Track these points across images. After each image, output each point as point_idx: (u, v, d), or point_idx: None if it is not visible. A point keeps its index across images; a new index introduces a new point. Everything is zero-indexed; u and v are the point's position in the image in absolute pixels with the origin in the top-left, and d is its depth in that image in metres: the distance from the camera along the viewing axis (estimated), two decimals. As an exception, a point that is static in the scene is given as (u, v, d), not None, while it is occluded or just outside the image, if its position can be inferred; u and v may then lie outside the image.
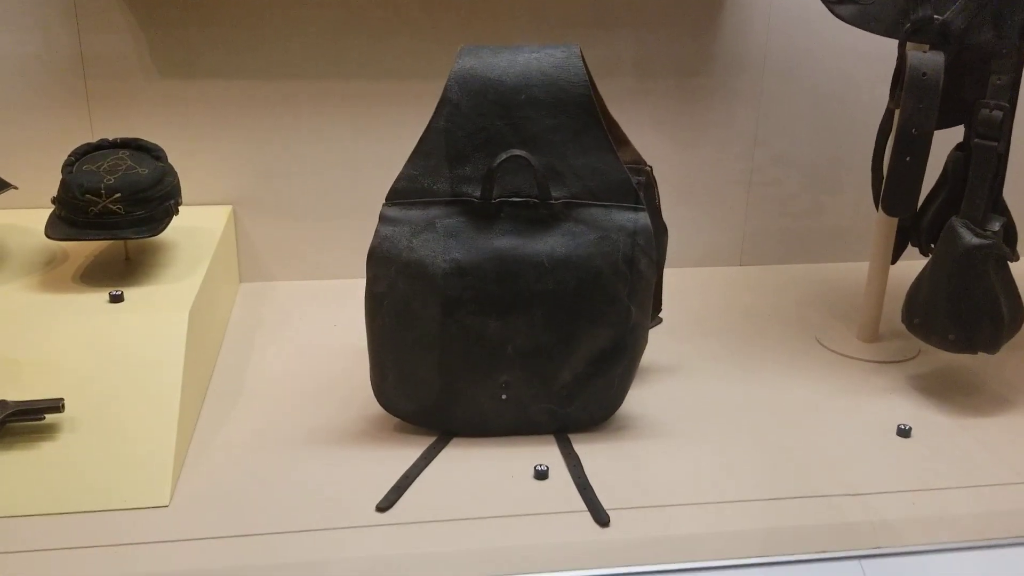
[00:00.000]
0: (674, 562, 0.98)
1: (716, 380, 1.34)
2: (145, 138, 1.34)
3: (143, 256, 1.34)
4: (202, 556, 0.96)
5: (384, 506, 1.04)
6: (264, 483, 1.08)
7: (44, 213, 1.27)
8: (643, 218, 1.12)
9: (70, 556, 0.96)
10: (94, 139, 1.34)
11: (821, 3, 1.30)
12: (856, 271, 1.64)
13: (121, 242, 1.32)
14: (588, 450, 1.15)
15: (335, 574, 0.95)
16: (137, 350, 1.14)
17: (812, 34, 1.62)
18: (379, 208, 1.12)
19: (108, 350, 1.13)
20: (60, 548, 0.96)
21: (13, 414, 1.04)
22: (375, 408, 1.18)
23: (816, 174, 1.73)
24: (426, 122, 1.12)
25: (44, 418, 1.05)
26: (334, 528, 1.01)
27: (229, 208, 1.56)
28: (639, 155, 1.23)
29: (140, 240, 1.34)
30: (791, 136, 1.69)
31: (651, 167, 1.22)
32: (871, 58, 1.59)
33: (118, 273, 1.29)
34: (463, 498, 1.06)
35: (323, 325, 1.47)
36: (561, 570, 0.97)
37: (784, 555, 1.00)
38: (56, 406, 1.05)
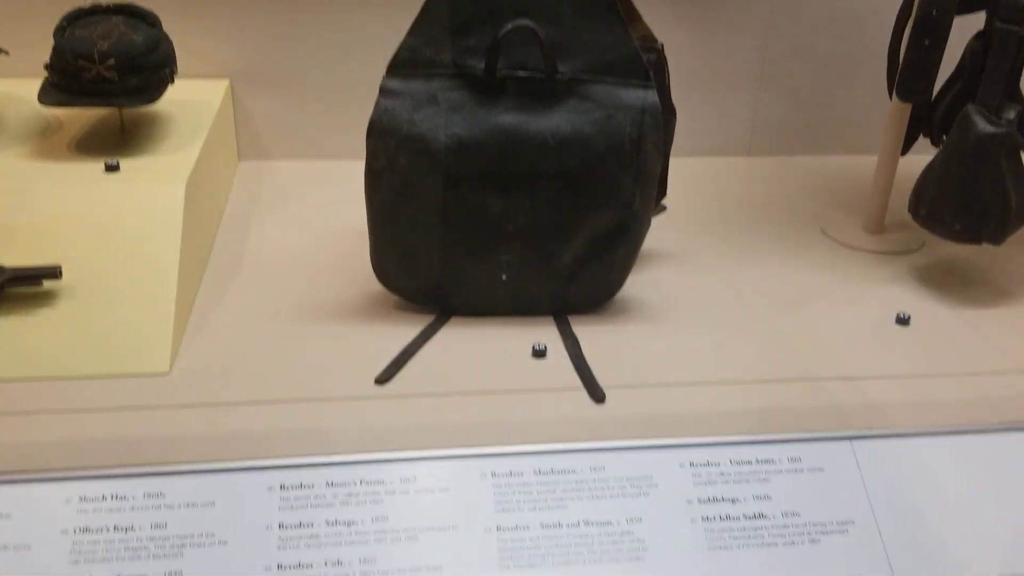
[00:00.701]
0: (667, 437, 0.99)
1: (718, 268, 1.33)
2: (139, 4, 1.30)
3: (139, 127, 1.32)
4: (202, 422, 0.98)
5: (383, 379, 1.04)
6: (264, 354, 1.08)
7: (37, 81, 1.24)
8: (652, 96, 1.09)
9: (71, 419, 0.97)
10: (87, 4, 1.30)
11: None
12: (865, 163, 1.61)
13: (116, 112, 1.30)
14: (586, 331, 1.15)
15: (333, 442, 0.96)
16: (134, 220, 1.13)
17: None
18: (368, 93, 1.10)
19: (104, 219, 1.12)
20: (61, 411, 0.98)
21: (10, 279, 1.03)
22: (375, 286, 1.18)
23: (829, 64, 1.68)
24: None
25: (42, 284, 1.05)
26: (333, 399, 1.02)
27: (226, 82, 1.53)
28: (650, 31, 1.19)
29: (136, 111, 1.32)
30: (806, 25, 1.64)
31: (662, 44, 1.19)
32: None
33: (113, 143, 1.27)
34: (461, 374, 1.07)
35: (323, 204, 1.46)
36: (557, 443, 0.98)
37: (776, 434, 1.01)
38: (54, 273, 1.05)
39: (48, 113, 1.31)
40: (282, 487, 0.92)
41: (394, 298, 1.19)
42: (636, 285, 1.25)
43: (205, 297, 1.19)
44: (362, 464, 0.94)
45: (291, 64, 1.55)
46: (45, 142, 1.27)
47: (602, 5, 1.08)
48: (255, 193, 1.50)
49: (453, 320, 1.17)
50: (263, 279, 1.24)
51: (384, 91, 1.09)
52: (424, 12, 1.08)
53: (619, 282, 1.18)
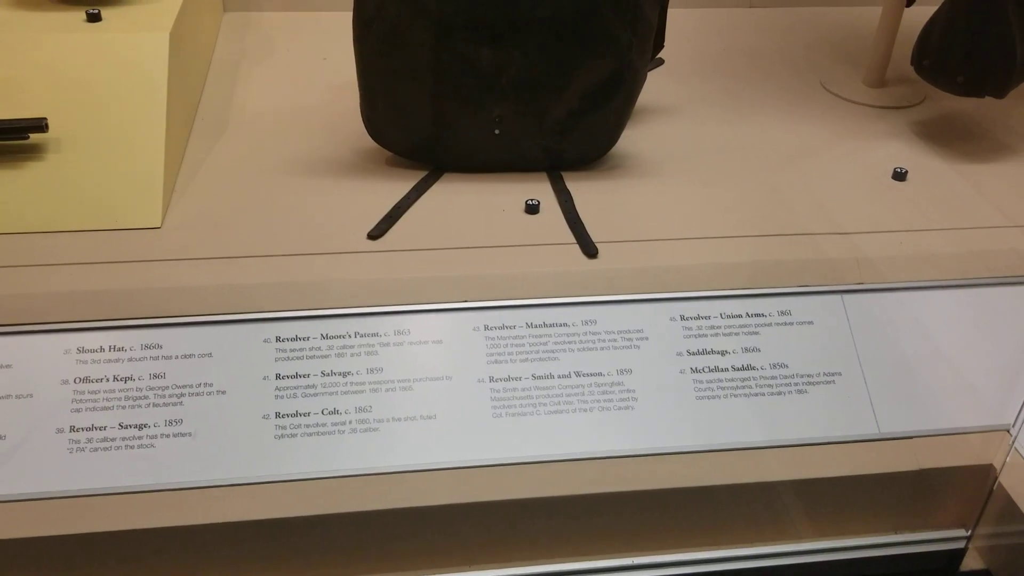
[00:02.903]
0: (659, 291, 1.00)
1: (715, 122, 1.31)
2: None
3: (118, -25, 1.27)
4: (196, 274, 0.98)
5: (376, 234, 1.04)
6: (256, 209, 1.08)
7: None
8: (648, -61, 1.05)
9: (66, 272, 0.97)
10: None
11: None
12: (868, 15, 1.57)
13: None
14: (580, 187, 1.14)
15: (327, 296, 0.97)
16: (118, 71, 1.10)
17: None
18: None
19: (88, 70, 1.09)
20: (56, 264, 0.98)
21: (-4, 132, 1.02)
22: (366, 141, 1.16)
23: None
24: None
25: (28, 137, 1.03)
26: (326, 253, 1.02)
27: (211, -72, 1.46)
28: None
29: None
30: None
31: None
32: None
33: (93, -8, 1.23)
34: (454, 229, 1.07)
35: (312, 58, 1.42)
36: (549, 297, 0.99)
37: (767, 287, 1.02)
38: (39, 125, 1.03)
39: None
40: (278, 339, 0.94)
41: (386, 153, 1.18)
42: (631, 140, 1.23)
43: (194, 151, 1.17)
44: (357, 317, 0.96)
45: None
46: None
47: None
48: (241, 45, 1.46)
49: (446, 176, 1.15)
50: (252, 133, 1.22)
51: (371, -66, 1.04)
52: None
53: (614, 136, 1.16)
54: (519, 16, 1.05)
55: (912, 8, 1.34)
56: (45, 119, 1.03)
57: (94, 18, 1.15)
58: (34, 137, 1.04)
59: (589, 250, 1.04)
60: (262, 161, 1.17)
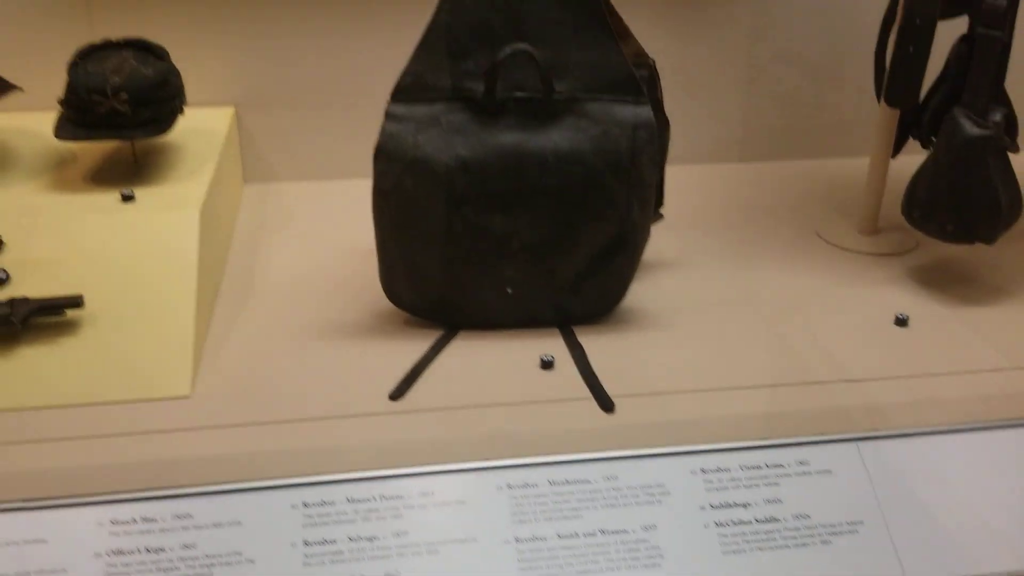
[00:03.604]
0: (677, 444, 1.02)
1: (716, 274, 1.37)
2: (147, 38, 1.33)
3: (150, 157, 1.35)
4: (224, 443, 1.01)
5: (396, 395, 1.08)
6: (280, 374, 1.12)
7: (50, 115, 1.27)
8: (646, 112, 1.12)
9: (98, 444, 1.00)
10: (96, 39, 1.33)
11: None
12: (857, 166, 1.65)
13: (129, 143, 1.33)
14: (592, 341, 1.18)
15: (351, 458, 0.99)
16: (151, 247, 1.16)
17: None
18: (382, 107, 1.13)
19: (123, 248, 1.15)
20: (89, 437, 1.01)
21: (35, 310, 1.06)
22: (384, 303, 1.21)
23: (816, 69, 1.72)
24: (428, 17, 1.12)
25: (65, 314, 1.08)
26: (349, 416, 1.05)
27: (232, 109, 1.56)
28: (642, 48, 1.22)
29: (147, 141, 1.35)
30: (791, 31, 1.68)
31: (654, 60, 1.22)
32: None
33: (127, 174, 1.31)
34: (472, 387, 1.10)
35: (329, 224, 1.49)
36: (570, 454, 1.01)
37: (783, 438, 1.04)
38: (76, 302, 1.08)
39: (62, 146, 1.35)
40: (305, 504, 0.95)
41: (404, 315, 1.22)
42: (637, 294, 1.28)
43: (220, 319, 1.22)
44: (381, 480, 0.97)
45: (293, 90, 1.58)
46: (61, 174, 1.30)
47: (595, 26, 1.11)
48: (262, 215, 1.53)
49: (461, 334, 1.20)
50: (275, 299, 1.27)
51: (389, 116, 1.12)
52: (425, 40, 1.11)
53: (621, 292, 1.21)
54: (527, 186, 1.12)
55: (900, 157, 1.42)
56: (81, 296, 1.08)
57: (128, 198, 1.22)
58: (70, 313, 1.08)
59: (605, 404, 1.07)
60: (285, 326, 1.21)
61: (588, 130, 1.12)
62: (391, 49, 1.41)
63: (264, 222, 1.51)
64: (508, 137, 1.12)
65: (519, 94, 1.11)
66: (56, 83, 1.26)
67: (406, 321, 1.22)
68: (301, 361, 1.14)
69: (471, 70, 1.11)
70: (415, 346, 1.17)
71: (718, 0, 1.63)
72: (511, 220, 1.14)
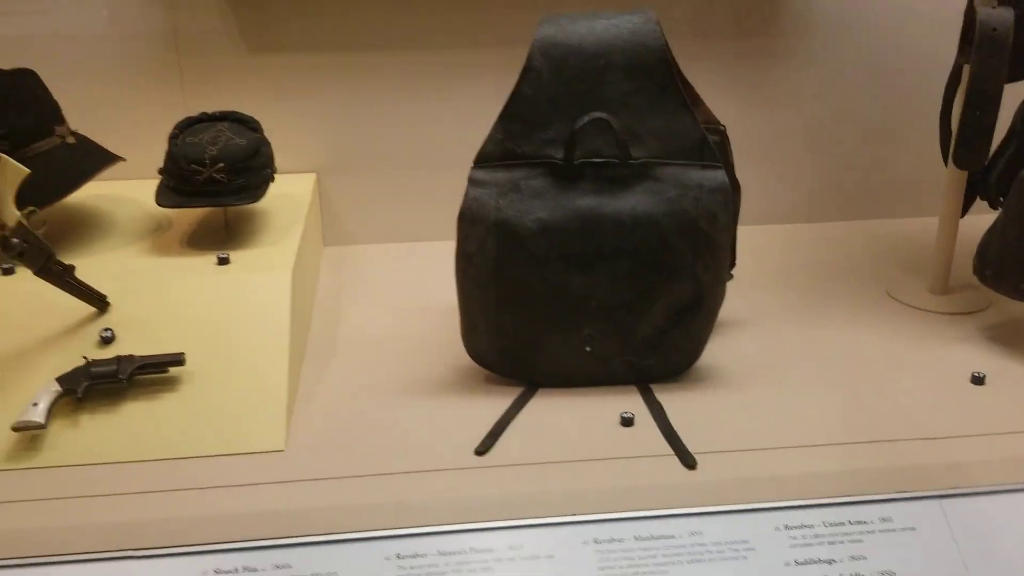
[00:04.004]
0: (759, 501, 1.03)
1: (790, 332, 1.38)
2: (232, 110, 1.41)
3: (240, 222, 1.42)
4: (319, 495, 1.05)
5: (482, 450, 1.11)
6: (368, 429, 1.16)
7: (144, 183, 1.36)
8: (720, 176, 1.16)
9: (199, 496, 1.04)
10: (188, 112, 1.41)
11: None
12: (921, 225, 1.67)
13: (221, 208, 1.40)
14: (669, 399, 1.20)
15: (441, 512, 1.02)
16: (246, 308, 1.22)
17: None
18: (453, 173, 1.18)
19: (220, 308, 1.21)
20: (190, 489, 1.05)
21: (141, 367, 1.13)
22: (464, 361, 1.25)
23: (877, 130, 1.75)
24: (498, 89, 1.18)
25: (168, 371, 1.14)
26: (438, 470, 1.08)
27: (313, 175, 1.63)
28: (712, 115, 1.27)
29: (238, 207, 1.42)
30: (851, 93, 1.71)
31: (725, 126, 1.26)
32: (926, 15, 1.64)
33: (219, 238, 1.38)
34: (554, 443, 1.13)
35: (406, 285, 1.54)
36: (655, 509, 1.03)
37: (865, 495, 1.05)
38: (178, 360, 1.13)
39: (158, 212, 1.42)
40: (399, 556, 0.98)
41: (483, 372, 1.26)
42: (712, 352, 1.30)
43: (308, 377, 1.27)
44: (471, 532, 1.00)
45: (370, 158, 1.65)
46: (158, 239, 1.37)
47: (669, 96, 1.16)
48: (341, 276, 1.59)
49: (540, 391, 1.23)
50: (358, 357, 1.32)
51: (472, 181, 1.17)
52: (506, 110, 1.17)
53: (697, 351, 1.23)
54: (605, 247, 1.16)
55: (967, 217, 1.43)
56: (183, 354, 1.14)
57: (224, 261, 1.29)
58: (172, 370, 1.14)
59: (688, 461, 1.09)
60: (370, 383, 1.25)
61: (663, 193, 1.16)
62: (461, 119, 1.49)
63: (344, 283, 1.56)
64: (586, 201, 1.16)
65: (596, 160, 1.16)
66: (151, 152, 1.34)
67: (486, 378, 1.26)
68: (387, 416, 1.18)
69: (550, 138, 1.16)
70: (496, 402, 1.20)
71: (777, 65, 1.68)
72: (590, 280, 1.17)
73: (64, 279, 1.14)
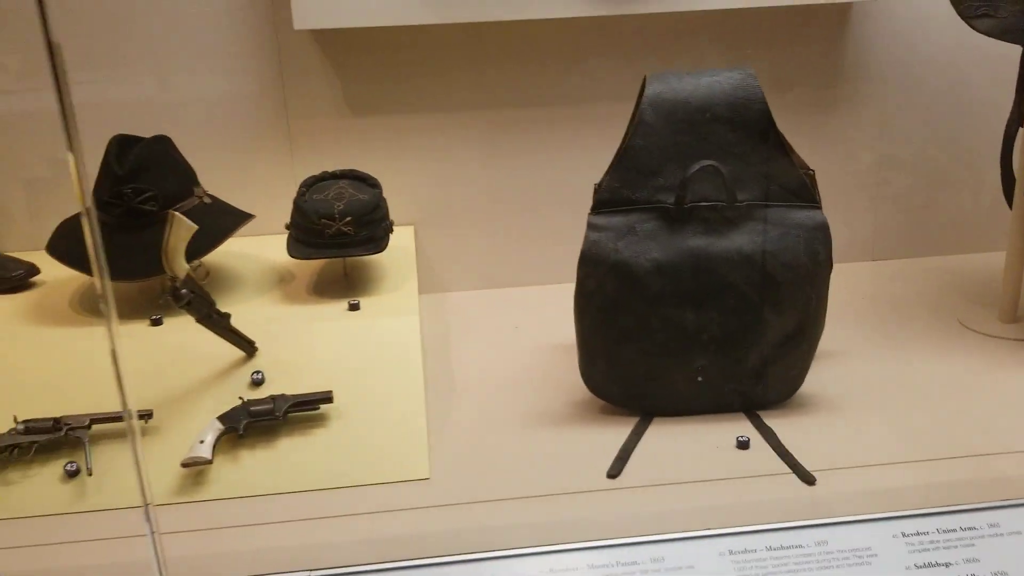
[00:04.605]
0: (878, 512, 1.12)
1: (874, 361, 1.47)
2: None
3: (357, 271, 1.53)
4: (469, 517, 1.13)
5: (614, 473, 1.20)
6: (501, 457, 1.25)
7: (260, 239, 1.46)
8: (819, 215, 1.27)
9: (357, 521, 1.13)
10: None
11: (941, 14, 1.46)
12: (981, 260, 1.78)
13: (340, 260, 1.51)
14: (776, 423, 1.29)
15: (586, 529, 1.10)
16: (380, 349, 1.32)
17: (929, 42, 1.77)
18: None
19: (356, 350, 1.32)
20: (347, 515, 1.14)
21: (293, 405, 1.22)
22: (576, 395, 1.35)
23: (934, 171, 1.86)
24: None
25: (319, 408, 1.23)
26: (575, 492, 1.17)
27: (411, 227, 1.75)
28: (802, 160, 1.38)
29: (355, 259, 1.53)
30: (910, 136, 1.83)
31: (813, 171, 1.37)
32: (984, 62, 1.75)
33: (341, 286, 1.48)
34: (678, 465, 1.21)
35: (503, 328, 1.64)
36: (784, 522, 1.11)
37: (973, 503, 1.13)
38: (328, 397, 1.23)
39: (279, 265, 1.53)
40: (551, 571, 1.06)
41: (597, 403, 1.35)
42: (808, 380, 1.38)
43: (434, 412, 1.35)
44: (616, 548, 1.09)
45: (463, 211, 1.77)
46: (287, 289, 1.48)
47: (770, 143, 1.27)
48: (442, 321, 1.69)
49: (655, 420, 1.32)
50: (476, 393, 1.41)
51: (591, 226, 1.28)
52: (620, 160, 1.28)
53: (800, 379, 1.33)
54: (716, 284, 1.26)
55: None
56: (331, 392, 1.23)
57: (354, 307, 1.39)
58: (322, 407, 1.24)
59: (807, 478, 1.17)
60: (493, 416, 1.34)
61: (768, 233, 1.26)
62: (545, 171, 1.61)
63: (446, 327, 1.66)
64: (696, 241, 1.26)
65: (705, 203, 1.27)
66: (263, 209, 1.45)
67: (600, 409, 1.35)
68: (516, 445, 1.27)
69: (661, 184, 1.27)
70: (614, 431, 1.29)
71: (843, 112, 1.80)
72: (701, 315, 1.27)
73: (222, 326, 1.24)
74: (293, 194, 1.51)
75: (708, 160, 1.25)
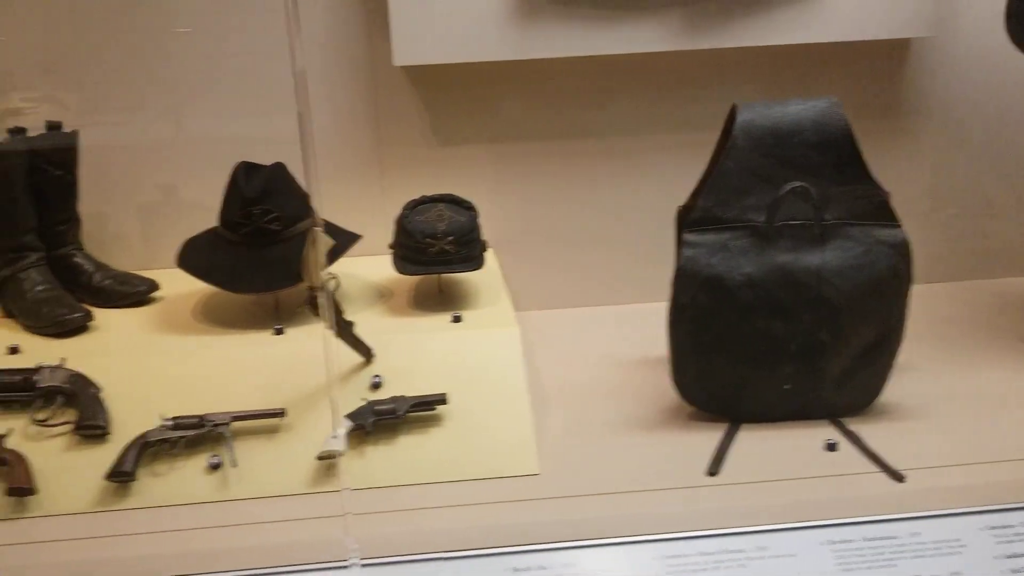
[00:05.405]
0: (967, 506, 1.20)
1: (943, 373, 1.56)
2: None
3: (451, 288, 1.63)
4: (582, 508, 1.22)
5: (714, 471, 1.28)
6: (602, 456, 1.34)
7: (357, 260, 1.56)
8: (900, 233, 1.36)
9: (470, 511, 1.22)
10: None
11: (998, 48, 1.57)
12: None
13: (434, 277, 1.61)
14: (859, 429, 1.37)
15: (695, 520, 1.19)
16: (484, 356, 1.42)
17: (986, 74, 1.87)
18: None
19: (463, 357, 1.41)
20: (462, 505, 1.23)
21: (413, 406, 1.31)
22: (663, 402, 1.44)
23: (990, 199, 1.96)
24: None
25: (435, 409, 1.32)
26: (677, 488, 1.26)
27: (490, 250, 1.84)
28: (879, 183, 1.47)
29: (447, 276, 1.63)
30: (965, 165, 1.92)
31: (888, 192, 1.47)
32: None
33: (437, 301, 1.58)
34: (772, 465, 1.30)
35: (581, 343, 1.73)
36: (876, 515, 1.19)
37: (1055, 500, 1.21)
38: (443, 399, 1.32)
39: (378, 281, 1.64)
40: (664, 557, 1.15)
41: (685, 410, 1.44)
42: (884, 390, 1.47)
43: (534, 416, 1.45)
44: (723, 537, 1.17)
45: (541, 233, 1.87)
46: (390, 303, 1.58)
47: (854, 166, 1.37)
48: (525, 337, 1.77)
49: (743, 426, 1.40)
50: (570, 401, 1.49)
51: (686, 243, 1.37)
52: (712, 181, 1.37)
53: (880, 387, 1.41)
54: (804, 297, 1.35)
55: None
56: (446, 394, 1.33)
57: (457, 320, 1.49)
58: (438, 408, 1.33)
59: (896, 476, 1.25)
60: (590, 420, 1.43)
61: (853, 249, 1.36)
62: (617, 198, 1.75)
63: (530, 342, 1.74)
64: (785, 257, 1.36)
65: (794, 222, 1.37)
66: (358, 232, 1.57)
67: (688, 415, 1.44)
68: (615, 446, 1.36)
69: (752, 204, 1.37)
70: (704, 435, 1.38)
71: (904, 142, 1.90)
72: (789, 326, 1.36)
73: (348, 333, 1.34)
74: (384, 218, 1.61)
75: (799, 182, 1.35)
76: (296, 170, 1.56)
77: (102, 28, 1.70)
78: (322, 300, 1.25)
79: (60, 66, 1.70)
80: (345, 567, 1.07)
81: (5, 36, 1.70)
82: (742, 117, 1.38)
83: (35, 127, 1.59)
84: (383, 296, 1.61)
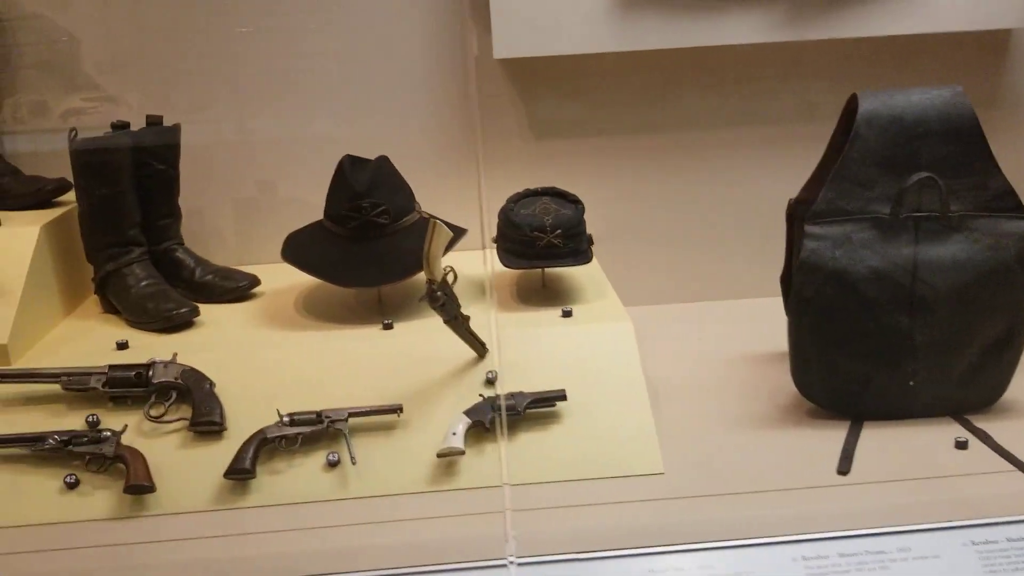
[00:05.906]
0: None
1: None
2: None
3: (554, 282, 1.61)
4: (702, 510, 1.19)
5: (844, 470, 1.25)
6: (725, 454, 1.31)
7: (457, 254, 1.54)
8: (1029, 224, 1.32)
9: (602, 510, 1.20)
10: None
11: None
12: None
13: (537, 271, 1.58)
14: (986, 426, 1.33)
15: (832, 520, 1.15)
16: (599, 352, 1.39)
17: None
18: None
19: (576, 352, 1.38)
20: (583, 505, 1.20)
21: (532, 402, 1.29)
22: (780, 399, 1.41)
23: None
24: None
25: (555, 405, 1.30)
26: (809, 487, 1.22)
27: (590, 245, 1.82)
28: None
29: (549, 270, 1.61)
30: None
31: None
32: None
33: (542, 296, 1.56)
34: (902, 463, 1.26)
35: (686, 339, 1.70)
36: (1019, 516, 1.15)
37: None
38: (562, 396, 1.30)
39: (480, 276, 1.62)
40: (804, 557, 1.12)
41: (804, 408, 1.40)
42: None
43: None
44: (864, 538, 1.13)
45: (638, 227, 1.84)
46: (495, 298, 1.56)
47: (979, 154, 1.32)
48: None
49: (866, 424, 1.37)
50: (684, 397, 1.47)
51: (809, 235, 1.34)
52: (837, 173, 1.34)
53: (1005, 383, 1.37)
54: (929, 290, 1.31)
55: None
56: (564, 390, 1.30)
57: (567, 314, 1.47)
58: (558, 404, 1.31)
59: (1036, 475, 1.21)
60: (705, 417, 1.41)
61: (980, 241, 1.31)
62: (719, 191, 1.70)
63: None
64: (910, 250, 1.32)
65: (918, 213, 1.33)
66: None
67: (806, 412, 1.40)
68: (736, 444, 1.33)
69: (876, 195, 1.33)
70: (826, 433, 1.34)
71: (1002, 138, 1.84)
72: (915, 320, 1.32)
73: (464, 327, 1.32)
74: (482, 212, 1.59)
75: (926, 172, 1.31)
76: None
77: (192, 26, 1.71)
78: (440, 293, 1.23)
79: (137, 63, 1.72)
80: (503, 565, 1.04)
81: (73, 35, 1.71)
82: (864, 107, 1.34)
83: (103, 124, 1.58)
84: (484, 291, 1.59)
